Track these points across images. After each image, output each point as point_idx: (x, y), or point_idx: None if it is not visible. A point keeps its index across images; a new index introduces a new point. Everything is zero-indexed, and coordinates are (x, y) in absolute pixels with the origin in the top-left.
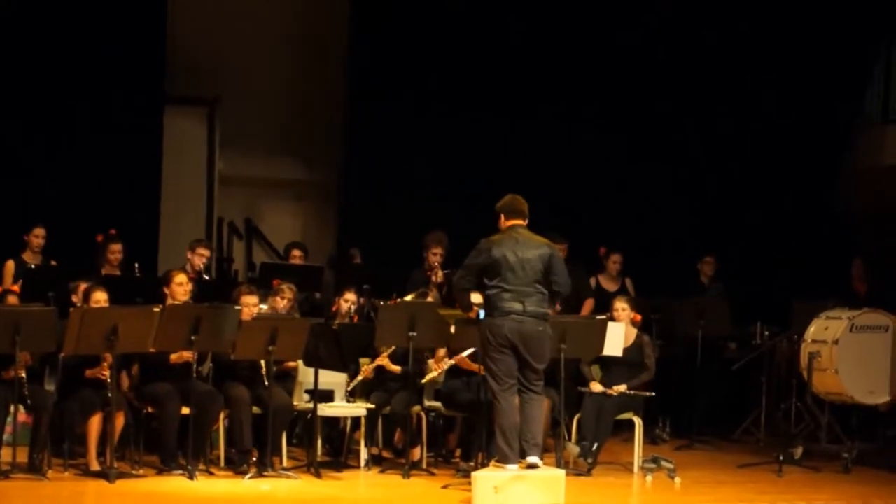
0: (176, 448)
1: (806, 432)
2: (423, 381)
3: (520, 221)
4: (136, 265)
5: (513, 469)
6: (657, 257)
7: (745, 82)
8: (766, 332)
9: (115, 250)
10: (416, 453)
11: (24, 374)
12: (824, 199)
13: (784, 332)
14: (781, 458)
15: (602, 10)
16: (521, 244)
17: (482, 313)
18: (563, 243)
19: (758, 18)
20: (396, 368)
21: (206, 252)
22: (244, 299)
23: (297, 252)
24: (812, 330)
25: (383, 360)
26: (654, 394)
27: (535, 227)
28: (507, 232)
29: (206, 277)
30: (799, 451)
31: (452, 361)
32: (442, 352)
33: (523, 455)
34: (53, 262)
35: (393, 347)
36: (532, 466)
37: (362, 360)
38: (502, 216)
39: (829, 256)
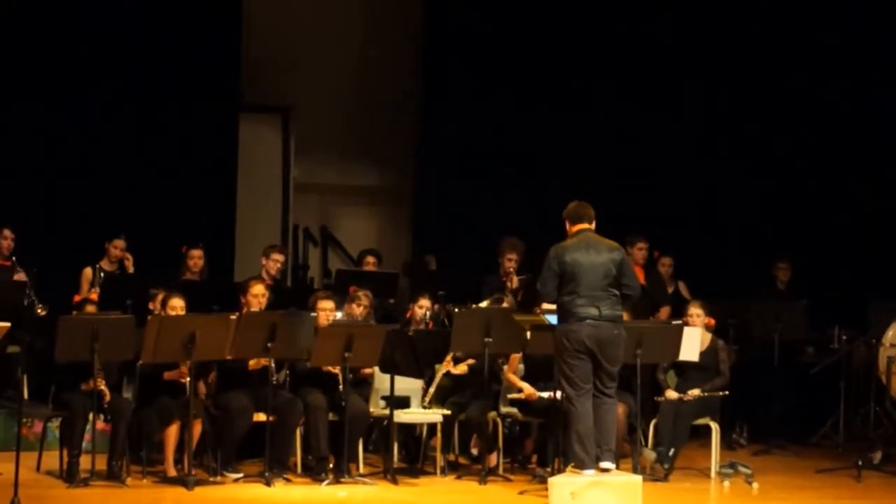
0: (234, 456)
1: (885, 437)
2: (429, 394)
3: (586, 226)
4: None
5: (589, 474)
6: (734, 261)
7: (815, 84)
8: (844, 336)
9: (196, 256)
10: (493, 459)
11: (103, 388)
12: None
13: (862, 335)
14: (860, 463)
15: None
16: (592, 248)
17: (550, 318)
18: (642, 242)
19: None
20: (459, 369)
21: (280, 257)
22: (321, 304)
23: (370, 259)
24: (890, 333)
25: (448, 366)
26: (727, 392)
27: (610, 228)
28: (577, 237)
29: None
30: (878, 456)
31: (445, 370)
32: (516, 358)
33: (598, 459)
34: (130, 270)
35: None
36: (605, 472)
37: (437, 367)
38: (568, 223)
39: None
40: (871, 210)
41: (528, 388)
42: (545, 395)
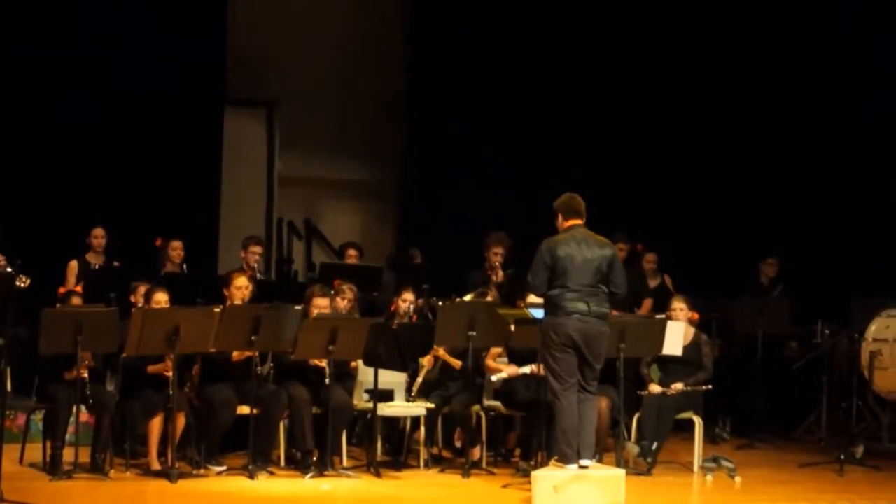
0: (219, 449)
1: (867, 431)
2: (417, 384)
3: (578, 221)
4: (184, 266)
5: (573, 469)
6: (718, 257)
7: (800, 81)
8: (827, 331)
9: (177, 247)
10: (476, 453)
11: (86, 375)
12: (885, 195)
13: (844, 330)
14: (843, 457)
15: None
16: (584, 244)
17: (534, 312)
18: (622, 244)
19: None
20: (456, 362)
21: (258, 249)
22: (316, 301)
23: (352, 252)
24: (873, 328)
25: (439, 351)
26: (710, 387)
27: (594, 222)
28: (569, 232)
29: (261, 277)
30: (860, 451)
31: (438, 356)
32: (496, 351)
33: (578, 455)
34: (116, 263)
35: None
36: (584, 468)
37: (421, 360)
38: (560, 216)
39: (890, 252)
40: (855, 206)
41: (509, 368)
42: (526, 369)
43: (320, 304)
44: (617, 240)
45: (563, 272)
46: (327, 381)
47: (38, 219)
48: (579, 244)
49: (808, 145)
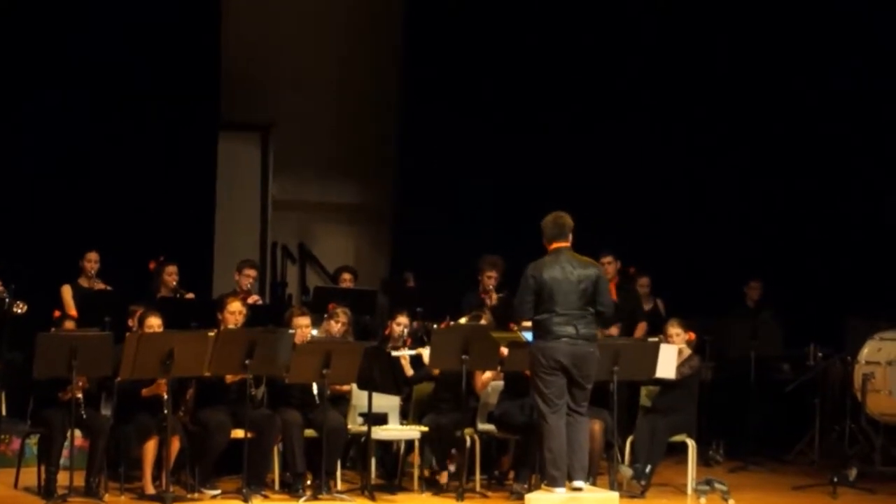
0: (212, 472)
1: (860, 454)
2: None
3: (564, 243)
4: (178, 294)
5: (561, 492)
6: (705, 280)
7: (789, 104)
8: (820, 354)
9: (171, 272)
10: (451, 467)
11: (80, 396)
12: (877, 216)
13: (837, 352)
14: (836, 479)
15: (657, 33)
16: (569, 265)
17: (527, 335)
18: (609, 257)
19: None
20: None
21: (252, 272)
22: (297, 321)
23: (346, 275)
24: (866, 351)
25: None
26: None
27: (585, 247)
28: (554, 255)
29: (259, 301)
30: (853, 473)
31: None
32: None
33: (570, 478)
34: (108, 287)
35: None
36: (577, 490)
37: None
38: (545, 240)
39: (883, 274)
40: (849, 228)
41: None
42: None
43: (302, 324)
44: (604, 255)
45: (550, 296)
46: (318, 401)
47: (31, 243)
48: (563, 267)
49: (799, 166)
